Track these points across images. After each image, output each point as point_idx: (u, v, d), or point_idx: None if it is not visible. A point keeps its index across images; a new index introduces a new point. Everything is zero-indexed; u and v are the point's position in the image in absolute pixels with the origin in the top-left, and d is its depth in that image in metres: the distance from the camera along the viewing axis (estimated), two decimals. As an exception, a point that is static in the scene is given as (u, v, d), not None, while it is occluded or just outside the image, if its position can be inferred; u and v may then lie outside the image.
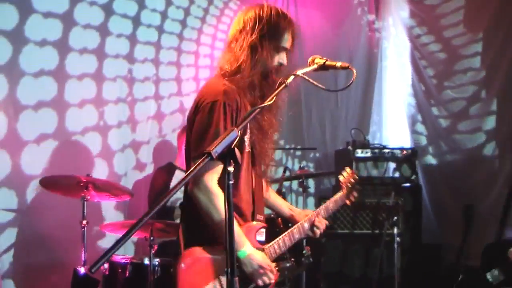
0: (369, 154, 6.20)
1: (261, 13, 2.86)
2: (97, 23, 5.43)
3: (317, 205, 6.08)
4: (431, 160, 6.97)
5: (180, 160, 5.21)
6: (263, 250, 2.84)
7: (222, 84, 2.77)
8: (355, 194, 3.50)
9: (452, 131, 6.82)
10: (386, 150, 6.29)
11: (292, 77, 2.43)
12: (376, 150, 6.24)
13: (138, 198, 5.22)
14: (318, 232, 3.18)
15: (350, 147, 6.19)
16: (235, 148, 2.04)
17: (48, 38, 5.13)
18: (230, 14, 6.41)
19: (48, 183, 4.32)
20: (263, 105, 2.26)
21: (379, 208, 5.56)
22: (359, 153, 6.15)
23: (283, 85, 2.38)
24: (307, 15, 6.87)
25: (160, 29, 5.91)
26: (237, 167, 2.45)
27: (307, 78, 2.49)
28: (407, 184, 6.14)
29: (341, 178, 3.49)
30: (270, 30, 2.83)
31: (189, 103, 5.96)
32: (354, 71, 2.55)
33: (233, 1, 6.45)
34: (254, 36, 2.81)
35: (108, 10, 5.49)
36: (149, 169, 5.77)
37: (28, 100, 5.00)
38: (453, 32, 6.83)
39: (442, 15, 6.92)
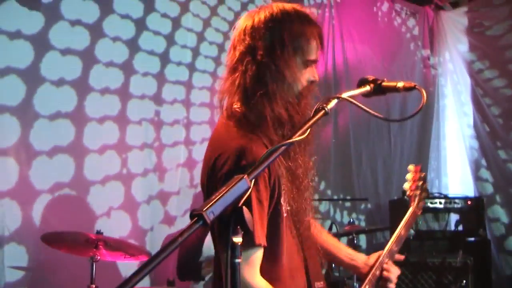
0: (429, 205, 5.54)
1: (274, 18, 2.08)
2: (121, 61, 5.00)
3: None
4: (499, 210, 6.26)
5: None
6: None
7: (237, 136, 2.05)
8: (424, 195, 2.92)
9: (524, 177, 6.13)
10: (448, 200, 5.62)
11: (334, 101, 1.75)
12: (437, 200, 5.59)
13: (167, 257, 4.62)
14: (389, 285, 2.56)
15: (406, 197, 5.48)
16: (243, 207, 1.36)
17: (66, 77, 4.70)
18: (269, 50, 5.88)
19: (51, 239, 3.82)
20: (292, 140, 1.55)
21: (444, 269, 4.80)
22: (418, 203, 5.45)
23: (322, 112, 1.69)
24: (355, 51, 6.33)
25: (192, 67, 5.45)
26: (275, 237, 1.97)
27: (354, 102, 1.81)
28: (472, 239, 5.44)
29: (406, 186, 2.90)
30: (292, 40, 2.06)
31: (223, 148, 5.47)
32: (424, 92, 1.86)
33: (272, 35, 5.91)
34: (272, 55, 2.05)
35: (133, 46, 5.07)
36: (181, 223, 5.21)
37: (43, 145, 4.55)
38: (520, 65, 6.21)
39: (506, 46, 6.36)
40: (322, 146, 5.45)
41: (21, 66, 4.52)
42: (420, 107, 1.84)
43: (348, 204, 6.34)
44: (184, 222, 5.19)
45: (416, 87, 1.90)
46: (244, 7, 5.78)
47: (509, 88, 6.32)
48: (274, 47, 2.05)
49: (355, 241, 4.65)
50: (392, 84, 1.97)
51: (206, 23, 5.55)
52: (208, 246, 4.56)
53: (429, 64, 6.88)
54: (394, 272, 2.58)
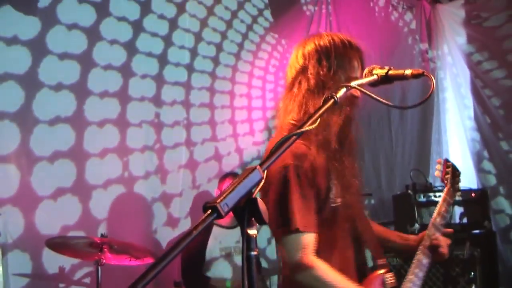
0: (432, 198, 5.44)
1: (322, 43, 2.41)
2: (119, 63, 4.97)
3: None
4: (503, 202, 6.19)
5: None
6: None
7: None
8: (457, 177, 3.04)
9: (527, 168, 6.06)
10: (452, 193, 5.53)
11: (343, 89, 1.73)
12: (441, 194, 5.48)
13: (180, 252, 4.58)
14: (443, 251, 2.68)
15: (410, 191, 5.45)
16: (257, 198, 1.35)
17: (65, 81, 4.67)
18: (268, 48, 5.87)
19: (57, 244, 3.75)
20: (303, 129, 1.53)
21: (452, 262, 4.74)
22: (421, 197, 5.40)
23: (331, 101, 1.67)
24: (354, 46, 6.27)
25: (190, 68, 5.40)
26: (327, 225, 2.23)
27: (363, 90, 1.82)
28: (477, 231, 5.37)
29: (437, 173, 3.06)
30: (338, 60, 2.37)
31: (225, 148, 5.44)
32: (433, 78, 1.85)
33: (270, 35, 5.87)
34: (321, 72, 2.34)
35: (130, 48, 5.03)
36: (184, 225, 5.15)
37: (43, 150, 4.52)
38: (519, 55, 6.14)
39: (505, 36, 6.29)
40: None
41: (19, 71, 4.50)
42: (430, 93, 1.84)
43: (351, 200, 6.29)
44: (187, 224, 5.14)
45: (425, 73, 1.90)
46: (240, 6, 5.72)
47: (509, 79, 6.21)
48: (325, 66, 2.35)
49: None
50: (399, 72, 1.97)
51: (203, 23, 5.50)
52: (210, 250, 4.53)
53: (428, 58, 6.80)
54: (443, 241, 2.69)
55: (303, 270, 2.21)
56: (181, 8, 5.35)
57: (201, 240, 4.56)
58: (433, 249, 2.68)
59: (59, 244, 3.80)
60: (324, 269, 2.22)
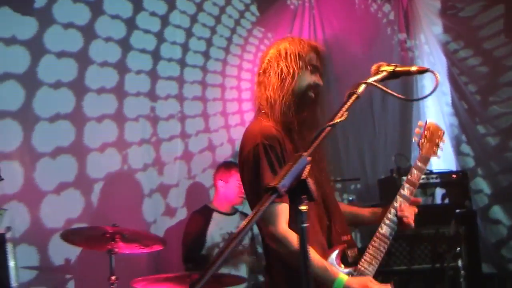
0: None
1: (282, 43, 2.69)
2: (115, 60, 5.13)
3: (364, 240, 5.59)
4: (481, 182, 6.45)
5: (217, 201, 4.79)
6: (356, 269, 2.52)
7: (259, 125, 2.58)
8: (438, 142, 2.87)
9: (503, 149, 6.32)
10: (434, 175, 5.78)
11: (363, 86, 1.96)
12: (424, 176, 5.71)
13: (170, 247, 4.73)
14: (408, 221, 2.62)
15: (395, 175, 5.68)
16: (307, 179, 1.57)
17: (63, 79, 4.83)
18: (255, 42, 6.02)
19: (70, 236, 3.88)
20: (335, 122, 1.77)
21: (438, 239, 5.01)
22: (406, 180, 5.64)
23: (355, 96, 1.90)
24: (336, 38, 6.48)
25: (182, 63, 5.55)
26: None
27: (379, 85, 2.02)
28: (459, 210, 5.62)
29: (414, 138, 2.88)
30: (295, 52, 2.62)
31: (218, 139, 5.61)
32: (437, 74, 2.07)
33: (257, 28, 6.04)
34: (281, 64, 2.60)
35: (125, 45, 5.19)
36: (180, 214, 5.33)
37: (45, 147, 4.68)
38: (494, 43, 6.37)
39: (479, 26, 6.48)
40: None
41: (18, 71, 4.63)
42: (434, 87, 2.04)
43: (338, 185, 6.50)
44: (184, 213, 5.31)
45: (429, 70, 2.11)
46: (228, 1, 5.86)
47: (485, 66, 6.40)
48: (284, 59, 2.62)
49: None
50: (405, 68, 2.17)
51: (193, 19, 5.64)
52: (211, 236, 4.72)
53: (406, 47, 6.95)
54: (409, 210, 2.65)
55: (277, 238, 2.39)
56: (171, 5, 5.49)
57: (201, 226, 4.72)
58: (399, 220, 2.64)
59: (73, 235, 3.90)
60: (295, 239, 2.31)
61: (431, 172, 5.87)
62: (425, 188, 5.84)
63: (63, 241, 3.87)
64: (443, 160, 6.65)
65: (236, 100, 5.82)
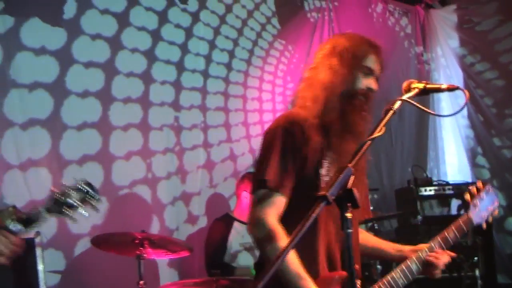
0: (433, 192, 5.81)
1: (339, 39, 2.56)
2: (140, 71, 5.22)
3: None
4: (496, 194, 6.50)
5: (238, 211, 4.89)
6: None
7: (288, 112, 2.54)
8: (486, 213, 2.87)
9: (519, 162, 6.40)
10: (450, 187, 5.90)
11: (398, 102, 2.07)
12: (440, 187, 5.85)
13: (192, 253, 4.85)
14: (435, 271, 2.58)
15: (412, 185, 5.80)
16: (352, 189, 1.68)
17: (90, 88, 4.92)
18: (276, 54, 6.15)
19: (101, 241, 3.99)
20: (374, 136, 1.89)
21: (456, 249, 5.08)
22: (423, 191, 5.75)
23: (391, 112, 2.01)
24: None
25: (205, 74, 5.66)
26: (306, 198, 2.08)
27: (413, 102, 2.13)
28: (474, 222, 5.68)
29: (467, 196, 2.86)
30: (350, 51, 2.45)
31: (239, 149, 5.72)
32: (466, 91, 2.18)
33: (278, 41, 6.17)
34: (333, 61, 2.44)
35: (150, 56, 5.28)
36: (202, 222, 5.44)
37: (72, 154, 4.75)
38: (510, 57, 6.52)
39: (496, 40, 6.62)
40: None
41: (47, 80, 4.71)
42: (464, 104, 2.15)
43: (356, 195, 6.57)
44: (205, 221, 5.41)
45: (459, 88, 2.21)
46: (250, 14, 6.00)
47: (500, 79, 6.55)
48: (337, 55, 2.48)
49: (376, 227, 4.92)
50: (436, 86, 2.28)
51: (216, 31, 5.77)
52: (231, 244, 4.81)
53: (423, 60, 7.08)
54: (443, 257, 2.62)
55: (256, 222, 2.25)
56: (195, 18, 5.60)
57: (223, 234, 4.81)
58: (428, 263, 2.58)
59: (103, 241, 4.00)
60: (281, 237, 2.20)
61: (447, 184, 5.99)
62: (441, 199, 5.93)
63: (91, 246, 3.97)
64: (459, 171, 6.76)
65: (257, 111, 5.94)
